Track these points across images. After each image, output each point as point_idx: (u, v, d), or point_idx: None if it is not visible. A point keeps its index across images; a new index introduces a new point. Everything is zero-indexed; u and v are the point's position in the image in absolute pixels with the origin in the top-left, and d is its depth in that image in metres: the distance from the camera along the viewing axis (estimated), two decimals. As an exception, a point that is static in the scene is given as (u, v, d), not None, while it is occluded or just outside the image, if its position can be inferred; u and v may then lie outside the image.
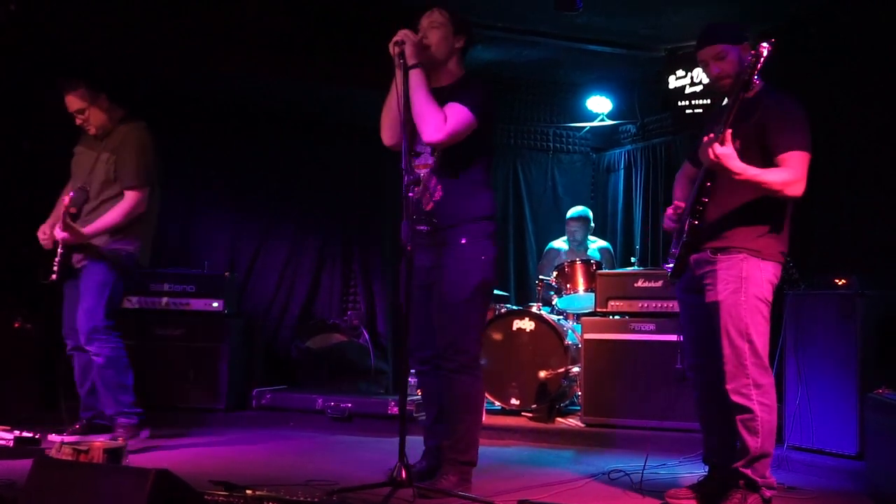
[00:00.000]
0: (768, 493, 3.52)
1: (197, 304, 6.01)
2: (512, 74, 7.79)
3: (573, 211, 7.19)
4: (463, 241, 3.79)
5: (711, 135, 3.35)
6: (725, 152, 3.30)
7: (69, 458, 3.68)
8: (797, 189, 3.41)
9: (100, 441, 3.88)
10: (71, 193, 4.66)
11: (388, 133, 3.98)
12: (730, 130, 3.31)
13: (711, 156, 3.31)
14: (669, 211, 3.78)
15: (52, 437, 4.61)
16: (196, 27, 5.91)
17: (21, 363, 5.62)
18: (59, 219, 4.65)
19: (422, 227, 3.76)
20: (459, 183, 3.82)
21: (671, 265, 3.73)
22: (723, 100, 3.78)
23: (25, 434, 4.45)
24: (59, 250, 4.71)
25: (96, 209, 4.77)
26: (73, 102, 4.82)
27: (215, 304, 6.03)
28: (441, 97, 3.78)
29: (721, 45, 3.56)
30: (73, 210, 4.66)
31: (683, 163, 4.04)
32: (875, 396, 4.07)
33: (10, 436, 4.40)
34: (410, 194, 3.61)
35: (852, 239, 5.42)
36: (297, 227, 7.37)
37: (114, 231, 4.74)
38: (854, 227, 5.46)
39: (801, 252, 5.22)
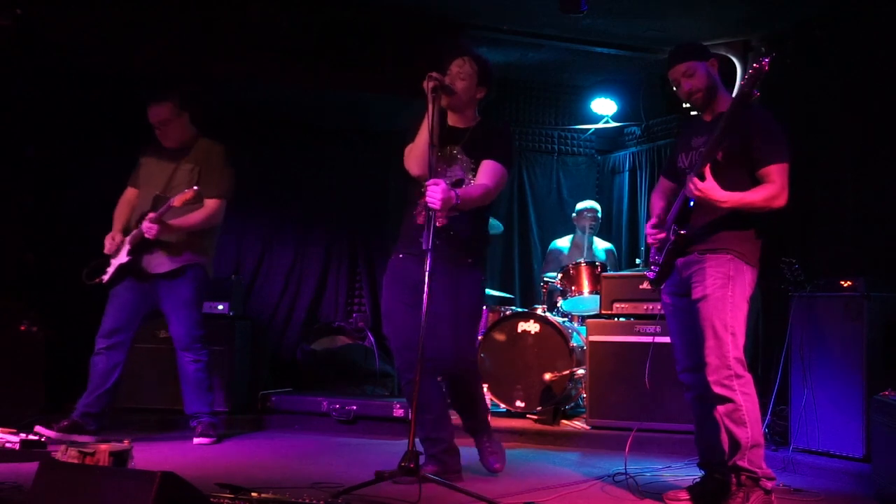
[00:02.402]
0: (769, 485, 3.54)
1: (203, 306, 6.00)
2: (516, 77, 7.80)
3: (584, 204, 7.20)
4: (469, 261, 4.21)
5: (695, 178, 3.50)
6: (707, 187, 3.49)
7: (75, 461, 3.68)
8: (781, 201, 3.56)
9: (106, 444, 3.88)
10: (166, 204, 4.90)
11: (416, 163, 4.13)
12: (708, 165, 3.48)
13: (694, 191, 3.49)
14: (649, 228, 3.90)
15: (39, 428, 4.70)
16: (199, 31, 5.92)
17: (27, 366, 5.62)
18: (125, 226, 5.13)
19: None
20: (470, 213, 4.15)
21: (653, 272, 3.86)
22: (696, 116, 3.91)
23: (31, 437, 4.46)
24: (121, 255, 5.02)
25: (177, 217, 4.98)
26: (159, 113, 5.11)
27: (221, 307, 6.05)
28: (458, 138, 4.19)
29: (689, 62, 3.73)
30: (152, 214, 4.92)
31: (658, 179, 4.18)
32: (881, 398, 4.06)
33: (16, 439, 4.41)
34: (418, 218, 4.09)
35: (858, 241, 5.42)
36: (302, 229, 7.38)
37: (191, 242, 5.06)
38: (860, 229, 5.45)
39: (806, 254, 5.22)
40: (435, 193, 3.78)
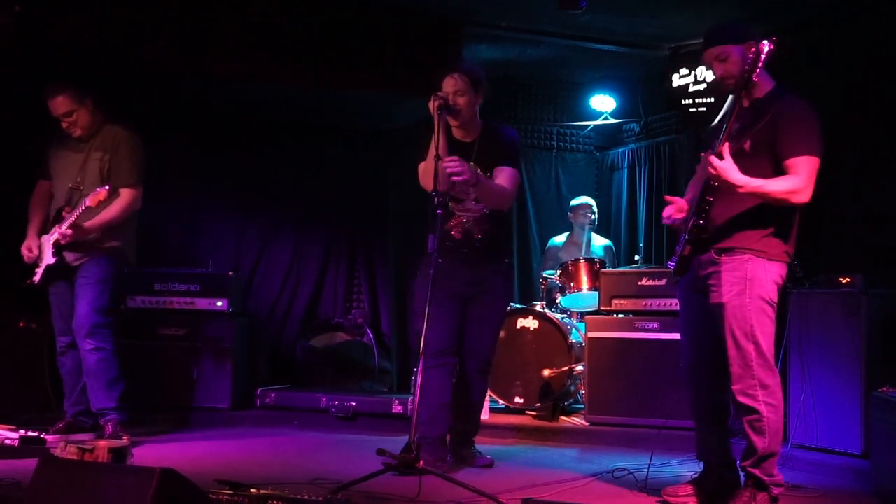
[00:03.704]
0: (776, 491, 3.53)
1: (201, 303, 6.02)
2: (515, 74, 7.79)
3: (579, 200, 7.21)
4: (507, 261, 4.64)
5: (712, 157, 3.36)
6: (724, 166, 3.32)
7: (74, 457, 3.69)
8: (803, 196, 3.41)
9: (104, 440, 3.89)
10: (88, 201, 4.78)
11: (431, 181, 4.21)
12: (727, 144, 3.33)
13: (710, 170, 3.34)
14: (671, 209, 3.76)
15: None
16: (199, 31, 5.92)
17: (26, 363, 5.63)
18: (42, 224, 5.06)
19: (465, 255, 4.41)
20: (499, 224, 4.55)
21: (673, 262, 3.74)
22: (728, 100, 3.77)
23: (31, 433, 4.47)
24: (47, 257, 4.94)
25: (93, 214, 4.88)
26: (60, 105, 4.97)
27: (220, 304, 6.04)
28: (467, 153, 4.34)
29: (722, 46, 3.55)
30: (68, 209, 4.88)
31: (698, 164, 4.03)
32: (880, 395, 4.07)
33: (15, 435, 4.41)
34: (453, 232, 4.38)
35: (857, 240, 5.41)
36: (302, 226, 7.40)
37: (108, 229, 4.93)
38: (859, 228, 5.45)
39: (805, 251, 5.21)
40: (458, 165, 4.05)
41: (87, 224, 4.84)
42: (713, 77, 3.67)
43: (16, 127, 6.07)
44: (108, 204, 4.87)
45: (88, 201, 4.75)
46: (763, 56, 3.26)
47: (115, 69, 5.85)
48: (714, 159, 3.33)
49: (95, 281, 4.91)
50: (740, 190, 3.37)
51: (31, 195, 5.22)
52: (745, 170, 3.37)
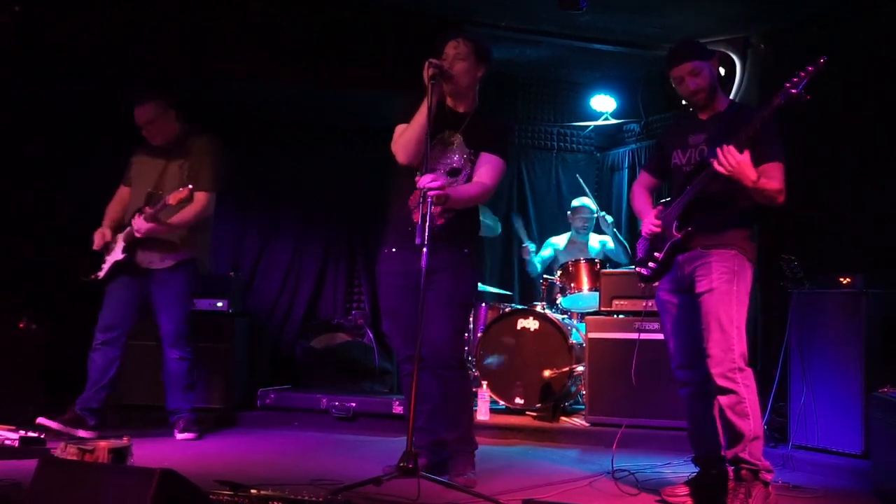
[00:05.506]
0: (768, 477, 3.56)
1: (201, 303, 6.01)
2: (516, 74, 7.79)
3: (578, 201, 7.20)
4: (466, 251, 4.15)
5: (729, 146, 3.49)
6: (745, 161, 3.48)
7: (74, 457, 3.68)
8: (783, 197, 3.61)
9: (105, 441, 3.88)
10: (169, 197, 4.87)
11: (407, 150, 4.11)
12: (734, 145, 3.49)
13: (733, 163, 3.46)
14: (653, 218, 3.89)
15: (42, 420, 4.77)
16: (199, 31, 5.93)
17: (25, 363, 5.63)
18: (116, 222, 5.18)
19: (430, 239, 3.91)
20: (464, 211, 4.13)
21: (649, 269, 3.89)
22: (687, 114, 3.96)
23: (31, 434, 4.46)
24: (115, 252, 5.06)
25: (171, 214, 5.01)
26: (144, 113, 5.11)
27: (220, 304, 6.05)
28: (457, 122, 4.12)
29: (695, 61, 3.73)
30: (149, 210, 4.96)
31: (640, 173, 4.19)
32: (880, 395, 4.07)
33: (15, 436, 4.40)
34: (413, 215, 4.02)
35: (857, 240, 5.41)
36: (302, 227, 7.40)
37: (183, 235, 5.06)
38: (859, 228, 5.45)
39: (806, 252, 5.22)
40: (433, 181, 3.74)
41: (164, 220, 4.96)
42: (682, 92, 3.81)
43: (16, 127, 6.08)
44: (186, 204, 4.98)
45: (170, 199, 4.86)
46: (818, 71, 3.47)
47: (115, 69, 5.85)
48: (737, 155, 3.46)
49: (175, 294, 5.11)
50: (751, 184, 3.50)
51: (110, 200, 5.32)
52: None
